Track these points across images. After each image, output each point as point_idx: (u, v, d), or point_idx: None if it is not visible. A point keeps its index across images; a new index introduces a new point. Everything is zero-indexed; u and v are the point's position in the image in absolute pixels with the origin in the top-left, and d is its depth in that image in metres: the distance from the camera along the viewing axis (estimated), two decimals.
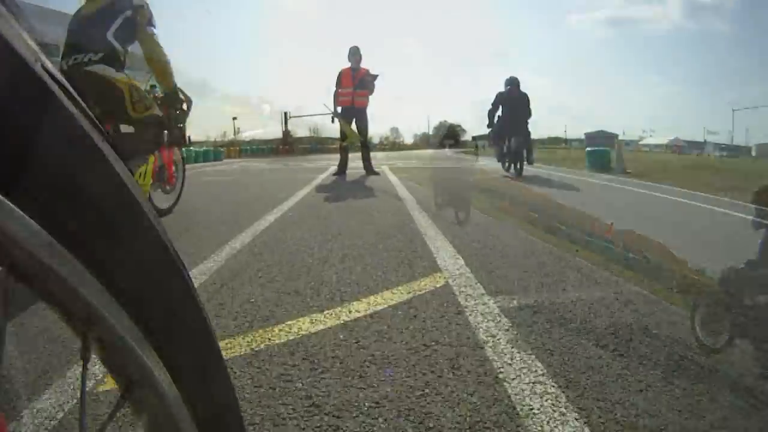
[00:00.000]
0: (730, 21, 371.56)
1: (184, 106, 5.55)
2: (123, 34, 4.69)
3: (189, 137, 35.50)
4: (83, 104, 0.43)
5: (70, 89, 0.42)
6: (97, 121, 0.45)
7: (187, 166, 6.84)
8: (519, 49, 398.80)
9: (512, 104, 12.85)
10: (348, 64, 11.60)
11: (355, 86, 11.32)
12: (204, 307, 0.59)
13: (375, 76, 11.56)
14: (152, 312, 0.52)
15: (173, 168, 5.83)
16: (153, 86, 6.18)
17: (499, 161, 13.64)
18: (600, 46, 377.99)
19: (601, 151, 16.93)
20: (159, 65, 5.02)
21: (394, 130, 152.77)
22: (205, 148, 32.01)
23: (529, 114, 12.98)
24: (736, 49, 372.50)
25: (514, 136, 12.42)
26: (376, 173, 11.70)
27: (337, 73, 11.62)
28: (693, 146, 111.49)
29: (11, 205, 0.37)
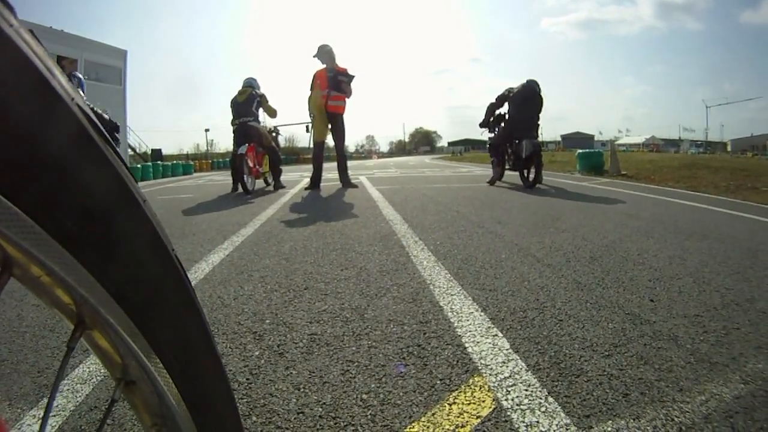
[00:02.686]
0: (702, 19, 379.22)
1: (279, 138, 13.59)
2: (257, 107, 10.99)
3: (160, 151, 34.79)
4: (85, 106, 0.44)
5: (71, 91, 0.43)
6: (97, 122, 0.46)
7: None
8: (493, 54, 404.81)
9: (527, 102, 10.39)
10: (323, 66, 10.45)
11: (330, 89, 10.17)
12: (201, 307, 0.59)
13: (351, 77, 10.27)
14: (151, 311, 0.53)
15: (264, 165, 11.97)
16: (271, 131, 12.56)
17: (497, 167, 11.20)
18: (573, 49, 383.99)
19: (595, 153, 16.19)
20: (272, 115, 11.57)
21: (370, 138, 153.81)
22: (174, 162, 30.95)
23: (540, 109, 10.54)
24: (708, 47, 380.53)
25: (527, 138, 10.03)
26: (354, 186, 10.68)
27: (312, 75, 10.59)
28: (669, 144, 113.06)
29: (11, 205, 0.37)
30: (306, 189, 10.50)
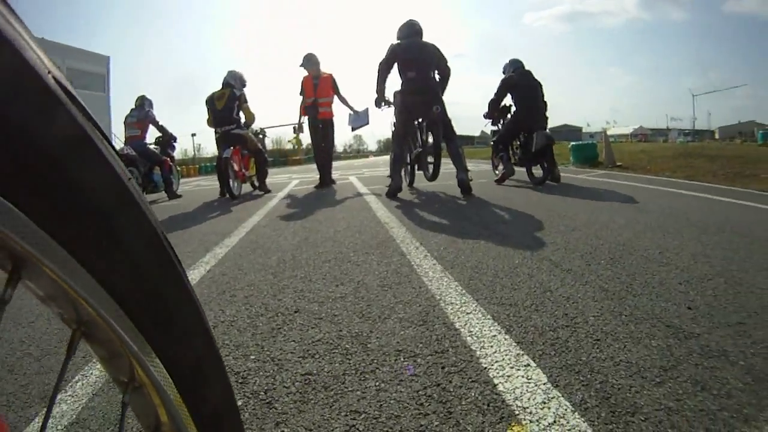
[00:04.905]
0: (686, 9, 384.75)
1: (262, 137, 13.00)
2: (238, 111, 10.28)
3: None
4: (84, 105, 0.44)
5: (71, 89, 0.42)
6: (96, 121, 0.46)
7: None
8: (478, 49, 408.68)
9: (528, 92, 9.54)
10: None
11: (316, 96, 10.61)
12: (201, 306, 0.59)
13: (364, 112, 11.05)
14: (150, 311, 0.52)
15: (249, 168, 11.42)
16: (257, 132, 12.36)
17: (507, 162, 9.76)
18: (558, 42, 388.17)
19: (589, 145, 16.15)
20: (250, 119, 10.54)
21: (358, 137, 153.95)
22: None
23: (546, 105, 9.70)
24: (693, 36, 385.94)
25: (538, 129, 9.15)
26: (333, 182, 11.77)
27: (300, 83, 10.90)
28: (657, 133, 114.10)
29: (11, 205, 0.37)
30: (315, 188, 11.18)
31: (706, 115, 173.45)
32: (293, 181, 14.63)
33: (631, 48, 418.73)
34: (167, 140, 12.15)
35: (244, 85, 10.77)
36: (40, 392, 1.86)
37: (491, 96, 9.93)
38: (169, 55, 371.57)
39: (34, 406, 1.76)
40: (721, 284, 2.77)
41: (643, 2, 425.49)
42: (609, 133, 21.64)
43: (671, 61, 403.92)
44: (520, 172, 10.11)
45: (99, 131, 0.45)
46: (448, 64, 8.40)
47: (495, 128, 10.82)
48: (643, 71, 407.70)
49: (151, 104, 11.75)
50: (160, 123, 11.71)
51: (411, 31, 8.41)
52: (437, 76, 8.35)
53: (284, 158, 56.54)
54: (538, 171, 9.29)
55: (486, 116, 10.56)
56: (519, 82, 9.57)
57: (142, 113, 11.36)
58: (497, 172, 10.32)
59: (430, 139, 8.28)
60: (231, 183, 9.89)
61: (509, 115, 10.11)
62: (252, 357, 2.12)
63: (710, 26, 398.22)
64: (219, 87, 10.50)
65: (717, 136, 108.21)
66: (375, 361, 2.00)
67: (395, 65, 8.27)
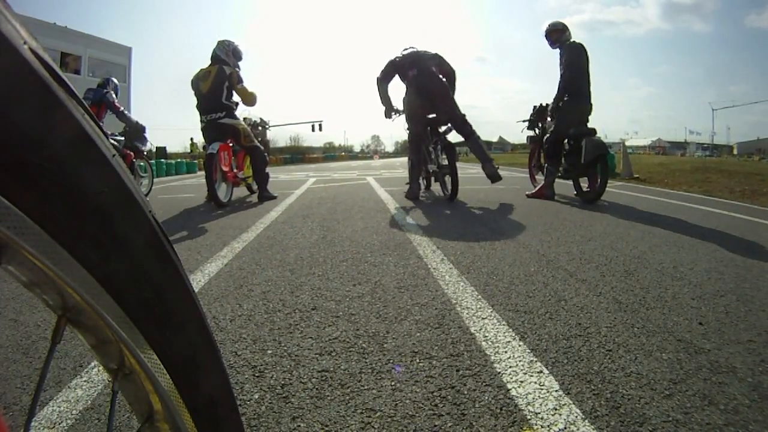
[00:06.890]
0: (709, 21, 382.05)
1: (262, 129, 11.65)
2: (229, 95, 8.01)
3: (164, 149, 34.56)
4: (85, 105, 0.44)
5: (71, 89, 0.42)
6: (97, 121, 0.46)
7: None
8: (499, 54, 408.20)
9: (586, 72, 7.59)
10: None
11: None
12: (199, 302, 0.59)
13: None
14: (148, 308, 0.52)
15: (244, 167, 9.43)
16: (257, 123, 11.14)
17: (546, 188, 8.06)
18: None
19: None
20: (249, 102, 8.22)
21: (376, 137, 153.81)
22: (178, 160, 30.75)
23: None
24: (715, 49, 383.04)
25: (587, 135, 7.27)
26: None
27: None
28: (675, 147, 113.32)
29: (11, 205, 0.38)
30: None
31: (725, 129, 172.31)
32: (311, 178, 14.64)
33: (652, 59, 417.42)
34: (134, 131, 10.10)
35: (240, 59, 8.42)
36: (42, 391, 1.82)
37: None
38: (189, 51, 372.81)
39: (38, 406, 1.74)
40: (733, 301, 2.77)
41: (665, 13, 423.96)
42: (627, 144, 21.39)
43: (692, 74, 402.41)
44: (566, 185, 8.95)
45: (99, 130, 0.45)
46: (452, 66, 8.15)
47: (532, 133, 9.11)
48: (663, 83, 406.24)
49: (116, 87, 9.70)
50: (120, 108, 9.51)
51: (409, 47, 8.27)
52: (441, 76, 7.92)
53: (301, 155, 56.47)
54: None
55: (555, 101, 7.91)
56: (583, 55, 7.59)
57: (98, 95, 9.25)
58: (534, 184, 8.95)
59: (445, 162, 7.88)
60: (218, 186, 7.86)
61: (549, 118, 8.26)
62: (269, 352, 2.16)
63: (732, 39, 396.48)
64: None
65: (736, 151, 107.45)
66: (391, 360, 2.04)
67: (395, 75, 8.14)
